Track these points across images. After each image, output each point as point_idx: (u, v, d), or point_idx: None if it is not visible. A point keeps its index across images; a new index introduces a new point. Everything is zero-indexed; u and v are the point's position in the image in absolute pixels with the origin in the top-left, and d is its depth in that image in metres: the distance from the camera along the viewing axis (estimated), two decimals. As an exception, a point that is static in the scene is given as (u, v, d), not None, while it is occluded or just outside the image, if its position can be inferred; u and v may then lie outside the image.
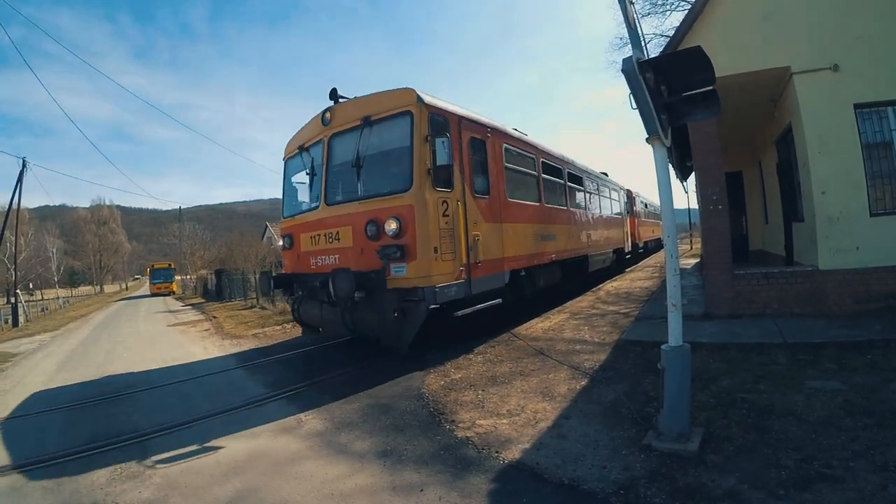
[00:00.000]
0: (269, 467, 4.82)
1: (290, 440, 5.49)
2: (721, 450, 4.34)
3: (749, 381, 5.96)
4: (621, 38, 30.61)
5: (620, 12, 4.95)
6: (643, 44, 5.04)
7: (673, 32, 11.49)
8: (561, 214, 14.01)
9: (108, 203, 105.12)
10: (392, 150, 8.49)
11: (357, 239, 8.56)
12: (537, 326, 10.80)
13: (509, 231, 10.38)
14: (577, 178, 16.14)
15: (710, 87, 4.69)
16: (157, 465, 4.97)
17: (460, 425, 5.52)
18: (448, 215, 8.37)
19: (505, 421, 5.53)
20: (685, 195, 31.80)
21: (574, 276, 15.56)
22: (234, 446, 5.38)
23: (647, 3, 22.58)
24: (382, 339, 8.29)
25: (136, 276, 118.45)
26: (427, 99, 8.27)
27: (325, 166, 9.36)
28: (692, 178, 20.85)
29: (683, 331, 4.70)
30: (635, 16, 5.09)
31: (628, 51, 5.32)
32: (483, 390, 6.67)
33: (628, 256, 26.01)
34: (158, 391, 8.19)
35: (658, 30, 30.03)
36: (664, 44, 16.31)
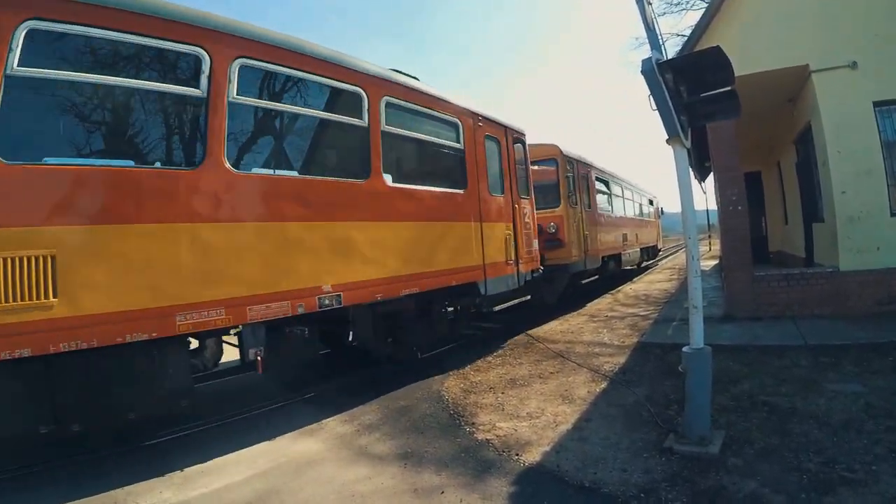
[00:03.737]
0: (290, 469, 4.84)
1: (311, 442, 5.51)
2: (742, 453, 4.33)
3: (770, 384, 5.94)
4: (637, 39, 30.44)
5: (638, 13, 4.93)
6: (662, 44, 5.03)
7: (689, 32, 11.45)
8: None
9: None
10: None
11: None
12: (556, 329, 10.79)
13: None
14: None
15: (730, 88, 4.69)
16: (178, 466, 4.98)
17: (480, 428, 5.54)
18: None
19: (525, 423, 5.55)
20: (703, 195, 30.14)
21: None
22: (254, 448, 5.40)
23: (662, 2, 22.35)
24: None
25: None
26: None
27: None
28: (710, 179, 20.67)
29: (703, 333, 4.69)
30: (653, 16, 5.08)
31: (645, 51, 5.32)
32: (502, 393, 6.69)
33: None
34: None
35: (674, 29, 29.77)
36: (680, 43, 16.27)
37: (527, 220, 10.78)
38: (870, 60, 8.84)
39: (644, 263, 26.23)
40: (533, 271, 10.84)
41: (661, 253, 34.86)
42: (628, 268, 21.16)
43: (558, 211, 12.84)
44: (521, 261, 10.21)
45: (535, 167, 12.24)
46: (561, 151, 13.22)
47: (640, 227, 22.77)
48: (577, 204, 13.52)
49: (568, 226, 12.82)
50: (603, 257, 15.58)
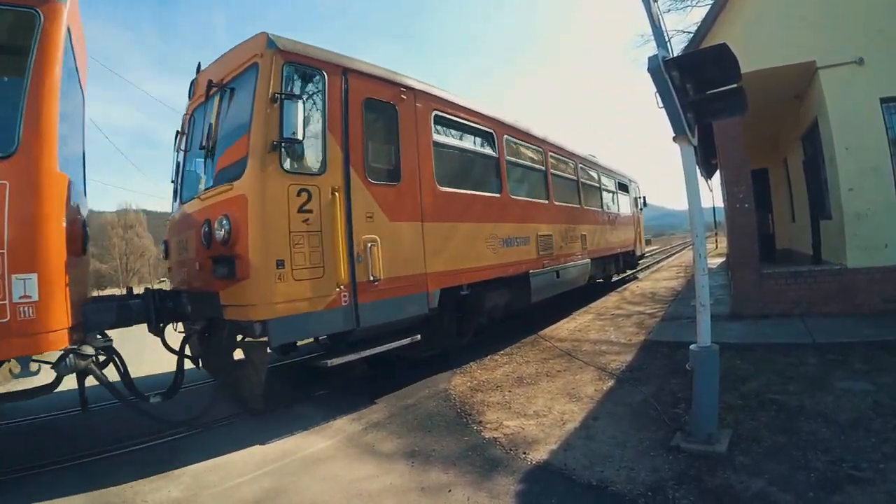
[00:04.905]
0: (298, 467, 4.87)
1: (318, 440, 5.54)
2: (750, 451, 4.33)
3: (777, 382, 5.93)
4: (642, 36, 30.32)
5: (644, 10, 4.92)
6: (668, 42, 5.02)
7: (695, 29, 11.41)
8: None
9: (134, 208, 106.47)
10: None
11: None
12: (563, 327, 10.81)
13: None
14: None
15: (737, 85, 4.68)
16: (186, 464, 5.03)
17: (487, 426, 5.56)
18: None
19: (532, 422, 5.57)
20: (710, 193, 29.78)
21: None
22: (262, 446, 5.44)
23: (667, -1, 22.19)
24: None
25: (162, 279, 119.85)
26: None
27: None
28: (716, 176, 20.60)
29: (711, 331, 4.69)
30: (659, 14, 5.08)
31: (649, 49, 5.31)
32: (509, 391, 6.71)
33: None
34: (187, 391, 8.19)
35: (679, 26, 29.70)
36: (685, 40, 16.20)
37: None
38: (876, 56, 8.79)
39: (616, 277, 19.83)
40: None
41: (646, 260, 30.77)
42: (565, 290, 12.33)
43: (238, 186, 5.79)
44: None
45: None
46: (270, 42, 5.94)
47: (601, 225, 15.58)
48: (322, 169, 6.16)
49: (261, 221, 5.58)
50: (466, 286, 8.36)
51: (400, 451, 5.09)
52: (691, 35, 11.41)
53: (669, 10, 22.54)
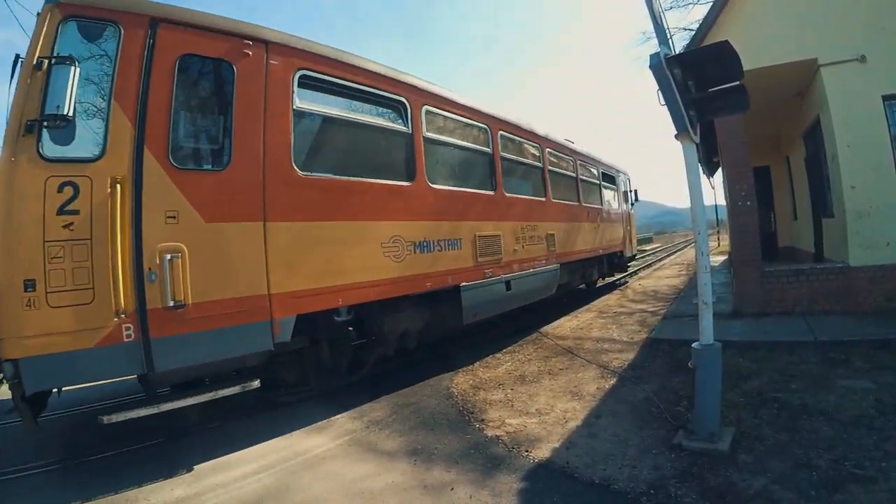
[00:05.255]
0: (299, 465, 4.87)
1: (320, 439, 5.54)
2: (752, 449, 4.33)
3: (780, 380, 5.93)
4: (644, 34, 30.31)
5: (646, 8, 4.92)
6: (669, 39, 5.02)
7: (696, 26, 11.40)
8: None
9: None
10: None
11: None
12: (565, 325, 10.82)
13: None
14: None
15: (739, 82, 4.68)
16: (189, 464, 5.02)
17: (490, 424, 5.57)
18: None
19: (534, 420, 5.57)
20: (712, 191, 29.66)
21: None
22: (264, 445, 5.44)
23: (669, -4, 22.11)
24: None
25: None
26: None
27: None
28: (718, 174, 20.58)
29: (713, 329, 4.70)
30: (661, 11, 5.07)
31: (651, 46, 5.32)
32: (512, 389, 6.72)
33: None
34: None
35: (681, 24, 29.67)
36: (687, 38, 16.17)
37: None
38: (878, 54, 8.77)
39: (601, 282, 17.98)
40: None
41: (647, 257, 30.90)
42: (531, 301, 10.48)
43: None
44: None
45: None
46: None
47: (577, 223, 13.12)
48: (101, 151, 4.66)
49: (6, 229, 4.26)
50: (345, 309, 6.44)
51: (402, 450, 5.09)
52: (693, 33, 11.42)
53: (671, 8, 22.51)
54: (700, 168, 6.31)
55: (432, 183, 7.65)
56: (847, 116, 8.95)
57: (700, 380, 4.57)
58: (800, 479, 3.77)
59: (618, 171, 18.14)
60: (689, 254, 35.29)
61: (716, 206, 30.66)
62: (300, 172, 5.81)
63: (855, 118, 8.89)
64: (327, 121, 6.52)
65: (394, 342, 7.41)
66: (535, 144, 11.32)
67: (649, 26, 5.14)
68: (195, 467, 4.94)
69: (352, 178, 6.48)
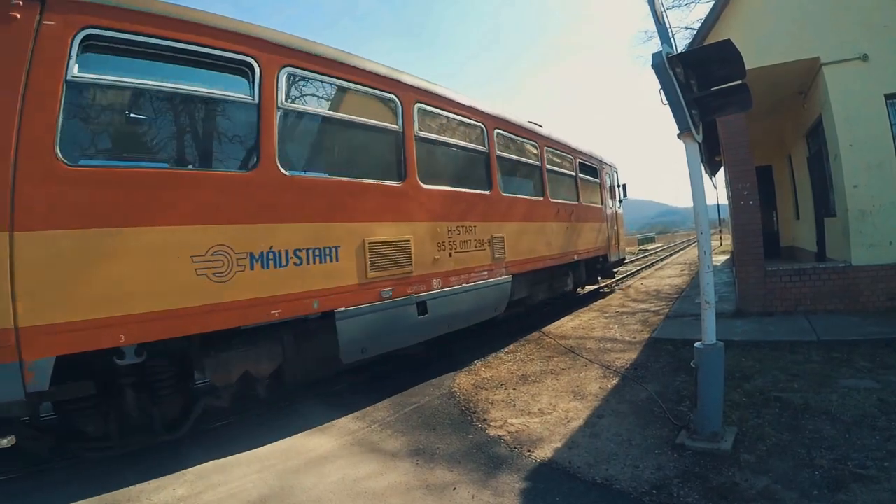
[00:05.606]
0: (301, 466, 4.86)
1: (322, 439, 5.53)
2: (754, 449, 4.32)
3: (782, 380, 5.93)
4: (646, 32, 30.31)
5: (648, 7, 4.92)
6: (672, 38, 5.02)
7: (698, 25, 11.39)
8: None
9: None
10: None
11: None
12: (566, 325, 10.82)
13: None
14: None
15: (741, 81, 4.68)
16: (190, 464, 5.02)
17: (492, 424, 5.56)
18: None
19: (536, 419, 5.57)
20: (714, 190, 29.59)
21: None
22: (267, 446, 5.42)
23: (671, -5, 22.12)
24: None
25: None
26: None
27: None
28: (720, 173, 20.55)
29: (715, 328, 4.69)
30: (663, 10, 5.07)
31: (654, 45, 5.31)
32: (514, 389, 6.71)
33: None
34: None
35: (682, 23, 29.65)
36: (689, 37, 16.17)
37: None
38: (881, 52, 8.78)
39: (581, 290, 15.70)
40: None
41: (649, 256, 30.31)
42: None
43: None
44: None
45: None
46: None
47: (542, 222, 10.89)
48: None
49: None
50: (135, 348, 4.77)
51: (404, 450, 5.09)
52: (695, 31, 11.41)
53: (673, 7, 22.51)
54: (702, 167, 6.30)
55: (288, 170, 5.68)
56: (849, 115, 8.95)
57: (703, 379, 4.56)
58: (802, 479, 3.77)
59: (601, 161, 15.69)
60: (691, 253, 35.32)
61: (717, 205, 30.61)
62: (69, 164, 4.24)
63: (857, 117, 8.88)
64: (116, 91, 4.74)
65: (229, 389, 5.59)
66: (476, 123, 8.85)
67: (651, 25, 5.14)
68: (197, 467, 4.93)
69: (150, 169, 4.88)
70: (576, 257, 12.55)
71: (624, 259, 19.20)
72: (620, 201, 17.63)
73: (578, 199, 13.18)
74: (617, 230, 16.76)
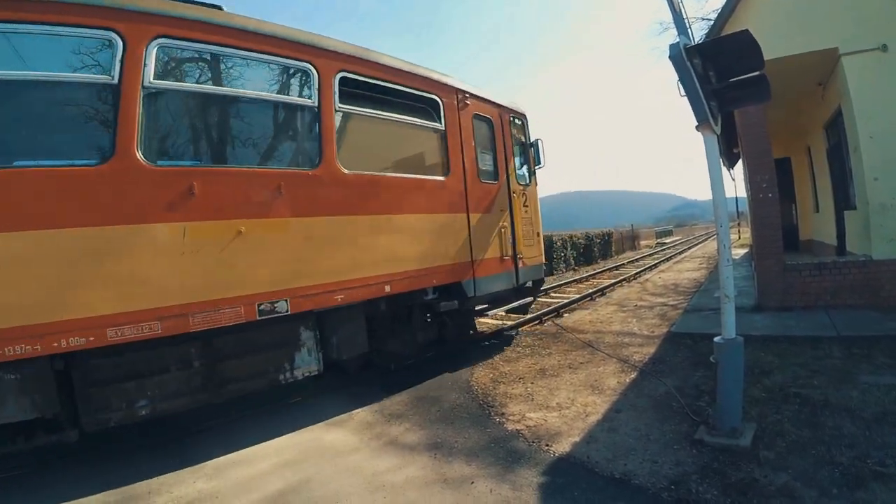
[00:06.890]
0: (320, 459, 4.90)
1: (341, 433, 5.58)
2: (774, 445, 4.31)
3: (802, 376, 5.89)
4: (661, 24, 30.02)
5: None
6: (689, 28, 4.98)
7: (715, 16, 11.28)
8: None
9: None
10: None
11: None
12: (584, 318, 10.82)
13: None
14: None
15: (760, 72, 4.64)
16: (209, 457, 5.07)
17: (510, 418, 5.59)
18: None
19: (554, 414, 5.59)
20: (732, 183, 29.23)
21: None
22: (284, 438, 5.48)
23: (687, -14, 21.97)
24: None
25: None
26: None
27: None
28: (738, 166, 20.35)
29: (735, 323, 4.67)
30: (680, 1, 5.05)
31: (670, 36, 5.28)
32: (532, 383, 6.73)
33: None
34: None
35: (699, 13, 29.33)
36: (706, 27, 16.02)
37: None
38: (901, 43, 8.63)
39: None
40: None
41: (667, 250, 30.36)
42: None
43: None
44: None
45: None
46: None
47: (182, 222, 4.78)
48: None
49: None
50: None
51: (422, 444, 5.13)
52: (711, 22, 11.30)
53: (689, -3, 22.31)
54: (721, 159, 6.26)
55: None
56: (869, 107, 8.81)
57: (722, 374, 4.55)
58: (822, 477, 3.75)
59: (482, 100, 8.69)
60: (710, 246, 35.02)
61: (736, 198, 30.28)
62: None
63: (877, 108, 8.74)
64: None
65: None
66: None
67: (665, 16, 5.11)
68: (215, 460, 5.00)
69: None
70: (378, 290, 6.45)
71: (543, 280, 10.42)
72: (532, 173, 10.04)
73: (382, 168, 6.96)
74: (536, 230, 10.00)
